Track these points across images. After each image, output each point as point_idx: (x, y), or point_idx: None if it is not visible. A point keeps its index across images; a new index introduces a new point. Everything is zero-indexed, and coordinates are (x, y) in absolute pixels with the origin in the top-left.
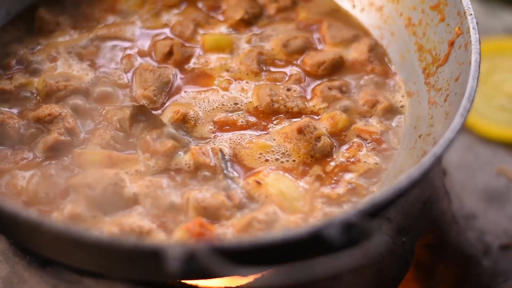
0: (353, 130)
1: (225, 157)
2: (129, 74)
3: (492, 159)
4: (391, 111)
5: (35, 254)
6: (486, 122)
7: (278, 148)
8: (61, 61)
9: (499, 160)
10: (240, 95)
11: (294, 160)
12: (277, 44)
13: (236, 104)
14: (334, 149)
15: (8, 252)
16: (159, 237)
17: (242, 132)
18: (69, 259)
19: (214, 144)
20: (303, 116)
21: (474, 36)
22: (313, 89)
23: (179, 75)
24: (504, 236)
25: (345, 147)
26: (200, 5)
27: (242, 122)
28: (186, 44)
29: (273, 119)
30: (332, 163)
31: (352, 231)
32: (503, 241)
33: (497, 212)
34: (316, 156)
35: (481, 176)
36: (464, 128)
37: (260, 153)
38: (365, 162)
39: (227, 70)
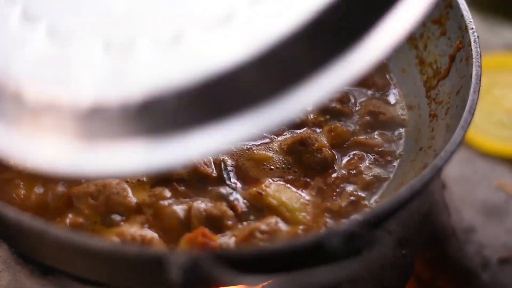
0: (354, 142)
1: (227, 167)
2: None
3: (490, 174)
4: (392, 124)
5: (37, 262)
6: (485, 137)
7: (279, 159)
8: None
9: (497, 174)
10: None
11: (295, 172)
12: None
13: None
14: (335, 161)
15: (10, 261)
16: (161, 247)
17: (243, 142)
18: (72, 267)
19: (216, 155)
20: (304, 127)
21: (475, 49)
22: None
23: None
24: (502, 250)
25: (346, 159)
26: None
27: None
28: None
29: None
30: (334, 175)
31: (354, 242)
32: (502, 255)
33: (496, 226)
34: (317, 168)
35: (480, 190)
36: (463, 143)
37: (263, 164)
38: (366, 174)
39: None
